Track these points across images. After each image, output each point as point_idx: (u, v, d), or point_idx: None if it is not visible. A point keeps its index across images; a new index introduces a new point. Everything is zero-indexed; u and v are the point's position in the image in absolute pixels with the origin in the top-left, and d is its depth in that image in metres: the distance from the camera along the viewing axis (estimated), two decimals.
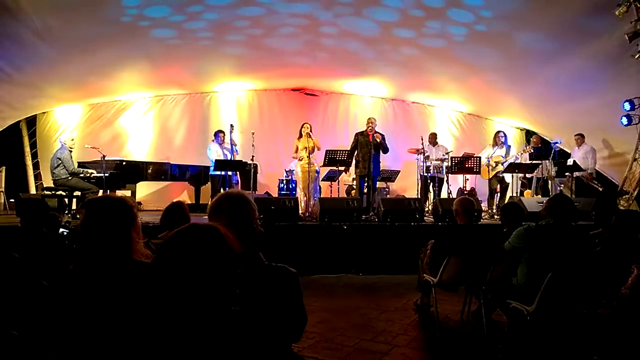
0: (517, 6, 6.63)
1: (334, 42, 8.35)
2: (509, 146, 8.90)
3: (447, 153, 8.79)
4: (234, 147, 8.50)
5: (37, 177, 9.97)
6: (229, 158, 8.51)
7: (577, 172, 8.29)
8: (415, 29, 7.63)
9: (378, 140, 7.88)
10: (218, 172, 8.12)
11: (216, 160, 7.90)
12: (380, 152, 8.16)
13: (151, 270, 1.69)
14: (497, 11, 6.85)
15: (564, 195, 4.93)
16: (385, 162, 10.00)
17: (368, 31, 7.79)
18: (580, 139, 8.74)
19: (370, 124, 8.04)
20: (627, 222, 3.35)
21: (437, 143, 9.52)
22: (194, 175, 9.29)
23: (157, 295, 1.36)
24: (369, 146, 7.89)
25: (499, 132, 9.00)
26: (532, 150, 8.62)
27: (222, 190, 7.88)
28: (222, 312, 1.35)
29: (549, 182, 8.64)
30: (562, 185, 8.78)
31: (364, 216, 7.10)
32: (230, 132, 8.31)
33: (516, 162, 8.40)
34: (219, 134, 9.01)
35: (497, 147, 8.72)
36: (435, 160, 8.96)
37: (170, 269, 1.34)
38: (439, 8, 6.91)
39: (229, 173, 8.08)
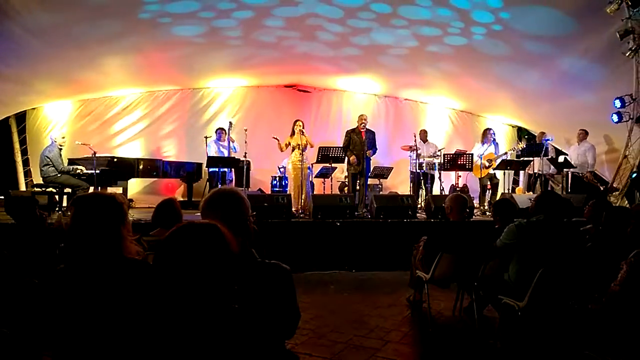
0: (508, 4, 6.64)
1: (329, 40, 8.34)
2: (497, 143, 8.94)
3: (439, 150, 8.82)
4: (231, 144, 8.46)
5: (27, 173, 9.84)
6: (226, 155, 8.46)
7: (571, 169, 8.29)
8: (411, 26, 7.63)
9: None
10: (212, 169, 8.08)
11: (209, 157, 7.87)
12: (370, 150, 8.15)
13: (151, 268, 1.69)
14: (491, 9, 6.86)
15: (552, 192, 4.98)
16: (378, 159, 10.02)
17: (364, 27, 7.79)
18: (583, 134, 8.50)
19: (362, 121, 8.03)
20: (617, 219, 3.38)
21: (427, 140, 9.55)
22: (186, 172, 9.24)
23: (158, 293, 1.36)
24: (362, 144, 7.88)
25: (488, 129, 9.00)
26: (524, 147, 8.61)
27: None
28: (223, 309, 1.35)
29: (539, 179, 8.62)
30: (554, 182, 8.81)
31: (356, 213, 7.10)
32: (229, 129, 8.27)
33: (507, 158, 8.43)
34: (219, 131, 8.99)
35: (486, 144, 8.75)
36: (427, 157, 8.99)
37: (170, 267, 1.34)
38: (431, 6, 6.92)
39: (225, 170, 8.04)
